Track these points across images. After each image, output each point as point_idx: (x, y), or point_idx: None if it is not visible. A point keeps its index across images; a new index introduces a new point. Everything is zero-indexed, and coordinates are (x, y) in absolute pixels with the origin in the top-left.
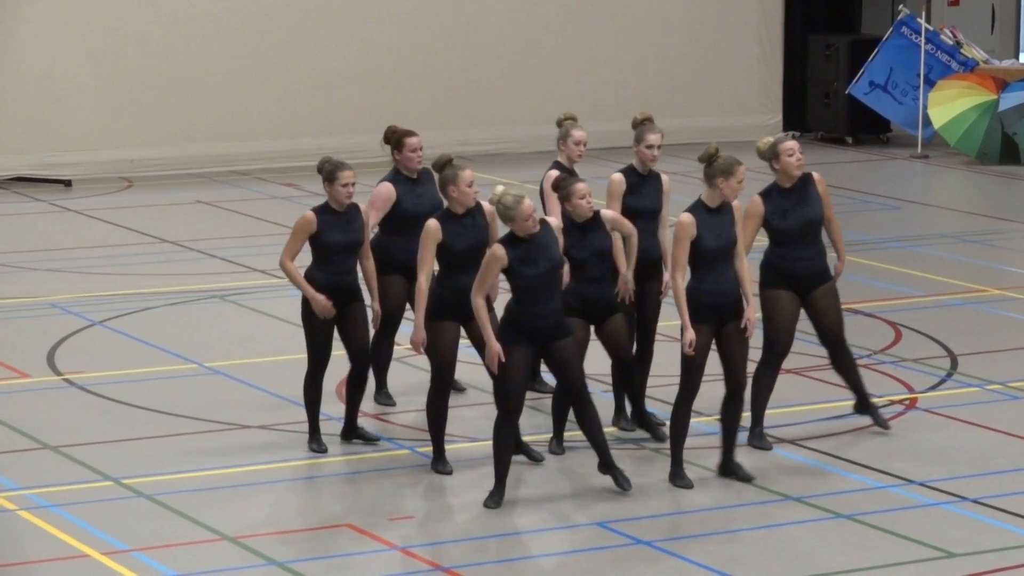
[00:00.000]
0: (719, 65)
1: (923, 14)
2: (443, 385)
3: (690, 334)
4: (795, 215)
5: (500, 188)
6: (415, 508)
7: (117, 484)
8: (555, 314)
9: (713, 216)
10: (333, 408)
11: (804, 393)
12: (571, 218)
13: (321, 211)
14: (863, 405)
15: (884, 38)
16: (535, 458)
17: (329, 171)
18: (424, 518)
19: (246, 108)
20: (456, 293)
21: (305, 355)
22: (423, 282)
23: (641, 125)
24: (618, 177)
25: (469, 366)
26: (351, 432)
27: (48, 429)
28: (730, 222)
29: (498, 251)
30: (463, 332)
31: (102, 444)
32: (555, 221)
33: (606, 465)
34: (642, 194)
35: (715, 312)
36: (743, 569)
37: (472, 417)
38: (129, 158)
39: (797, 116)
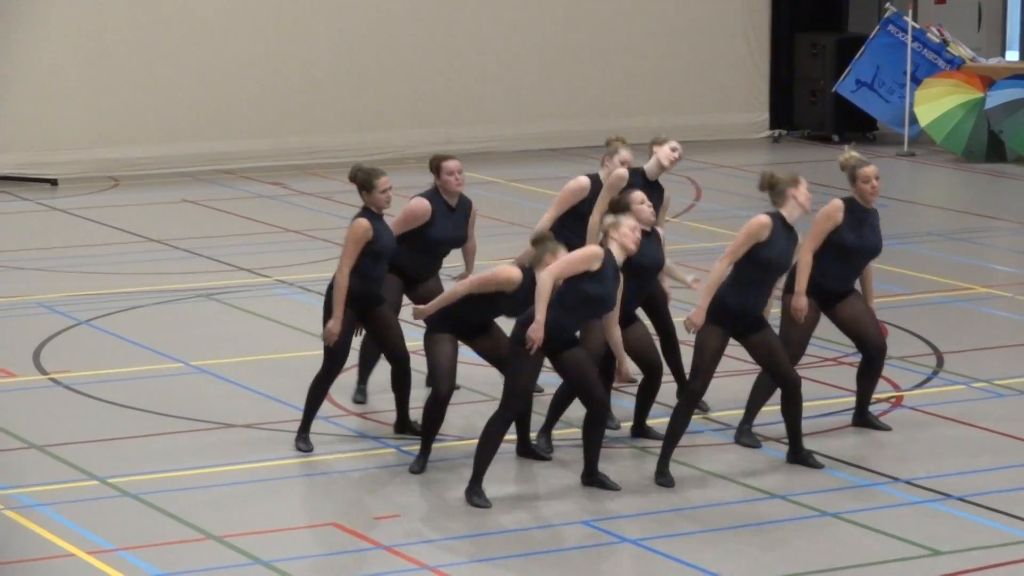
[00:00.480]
0: (706, 63)
1: (910, 12)
2: (442, 396)
3: (699, 316)
4: (867, 240)
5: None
6: (401, 507)
7: (103, 483)
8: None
9: (785, 232)
10: (325, 409)
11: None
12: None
13: (371, 217)
14: (860, 415)
15: (871, 36)
16: (543, 457)
17: (363, 180)
18: (410, 517)
19: (232, 107)
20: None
21: (290, 354)
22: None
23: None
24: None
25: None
26: (404, 426)
27: (34, 428)
28: (793, 242)
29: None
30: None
31: (88, 443)
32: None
33: (590, 475)
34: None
35: (733, 321)
36: (728, 567)
37: (462, 415)
38: (115, 157)
39: (784, 114)
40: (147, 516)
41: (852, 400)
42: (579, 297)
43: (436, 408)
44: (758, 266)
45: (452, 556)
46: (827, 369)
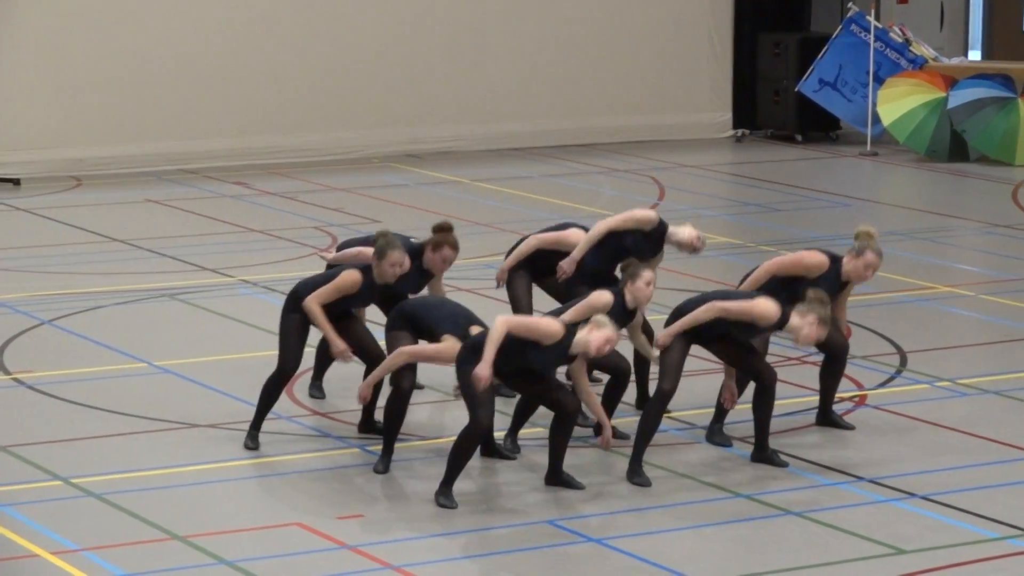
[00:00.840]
0: (669, 63)
1: (872, 12)
2: (403, 391)
3: (665, 338)
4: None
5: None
6: (365, 507)
7: (66, 483)
8: None
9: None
10: (289, 409)
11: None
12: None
13: (365, 274)
14: (823, 414)
15: (833, 36)
16: (508, 457)
17: (380, 247)
18: (374, 516)
19: (195, 106)
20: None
21: (254, 354)
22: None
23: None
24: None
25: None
26: (368, 426)
27: None
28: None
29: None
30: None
31: (51, 443)
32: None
33: (555, 475)
34: None
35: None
36: (693, 566)
37: (426, 415)
38: (78, 157)
39: (747, 114)
40: (111, 516)
41: (816, 399)
42: (520, 356)
43: (398, 403)
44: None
45: (416, 556)
46: (791, 368)
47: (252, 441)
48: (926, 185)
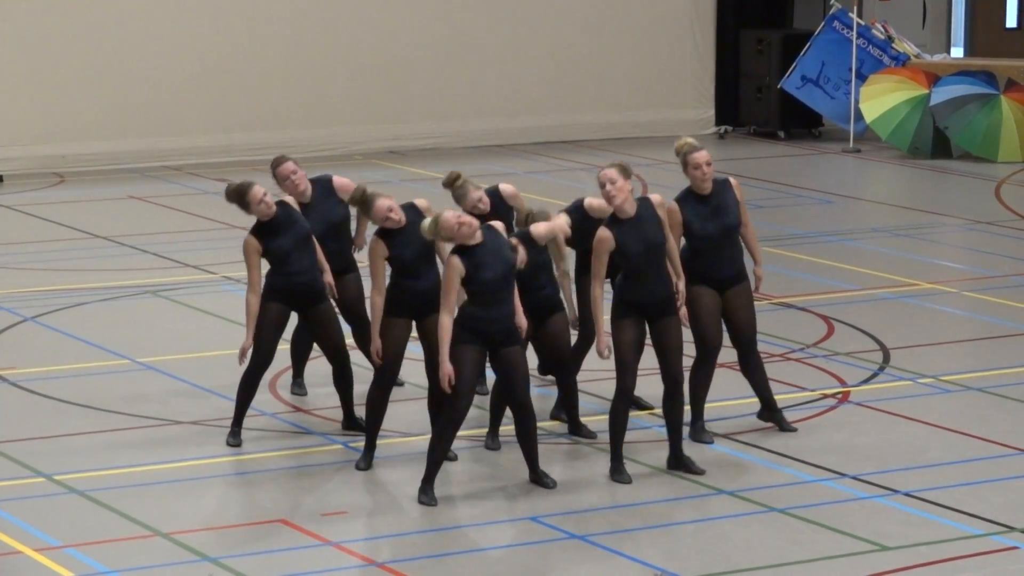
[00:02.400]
0: (652, 60)
1: (855, 9)
2: (386, 381)
3: (604, 340)
4: (714, 222)
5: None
6: (349, 504)
7: (49, 480)
8: (508, 319)
9: (631, 224)
10: (273, 406)
11: (737, 388)
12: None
13: (257, 231)
14: (768, 410)
15: (816, 33)
16: (448, 458)
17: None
18: (358, 513)
19: (178, 103)
20: (410, 294)
21: (238, 351)
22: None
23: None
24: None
25: (408, 362)
26: (351, 423)
27: None
28: (653, 226)
29: (454, 261)
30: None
31: (34, 440)
32: (500, 225)
33: (533, 472)
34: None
35: (640, 312)
36: (676, 563)
37: (408, 412)
38: (60, 153)
39: (730, 110)
40: (94, 513)
41: (800, 396)
42: (478, 289)
43: (378, 395)
44: (628, 259)
45: (400, 552)
46: (775, 365)
47: (234, 438)
48: (909, 182)
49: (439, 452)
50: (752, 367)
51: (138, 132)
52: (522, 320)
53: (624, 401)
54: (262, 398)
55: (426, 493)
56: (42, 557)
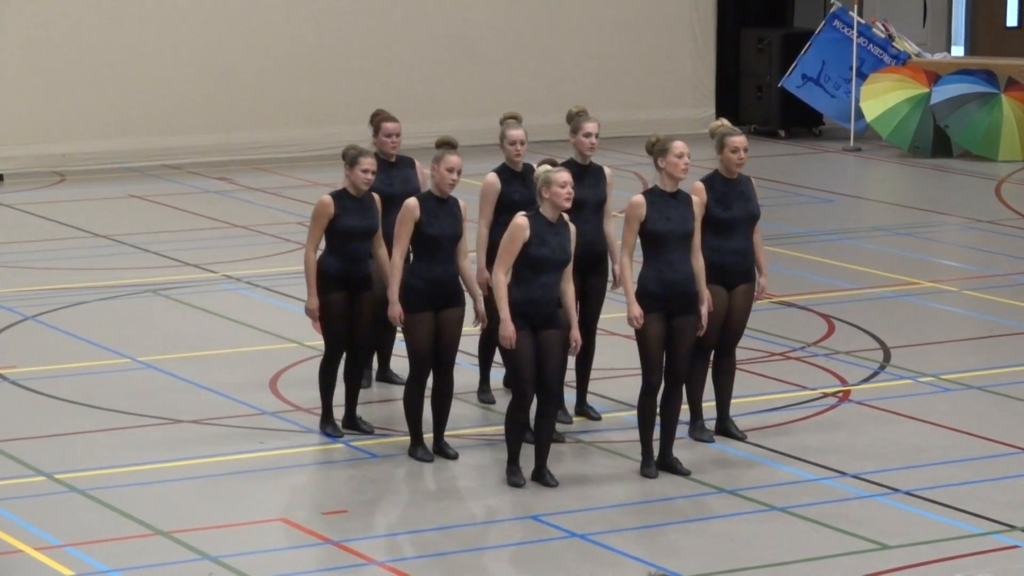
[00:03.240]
0: (652, 59)
1: (855, 7)
2: (420, 376)
3: (635, 309)
4: (739, 205)
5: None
6: (349, 502)
7: (50, 479)
8: (552, 303)
9: (666, 200)
10: (273, 404)
11: (738, 386)
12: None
13: (338, 196)
14: (720, 420)
15: (816, 31)
16: (450, 455)
17: (353, 156)
18: (358, 512)
19: (178, 102)
20: (429, 283)
21: (237, 350)
22: (397, 258)
23: (576, 116)
24: (492, 178)
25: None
26: (351, 422)
27: None
28: (685, 209)
29: (521, 220)
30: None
31: (35, 439)
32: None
33: (538, 469)
34: (584, 184)
35: (661, 302)
36: (677, 561)
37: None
38: (61, 152)
39: (730, 109)
40: (95, 512)
41: (801, 394)
42: (528, 265)
43: (415, 391)
44: (652, 240)
45: (401, 551)
46: (775, 364)
47: (334, 429)
48: (909, 181)
49: (515, 435)
50: (723, 370)
51: (138, 131)
52: (574, 325)
53: (651, 396)
54: (263, 398)
55: (515, 474)
56: (42, 556)
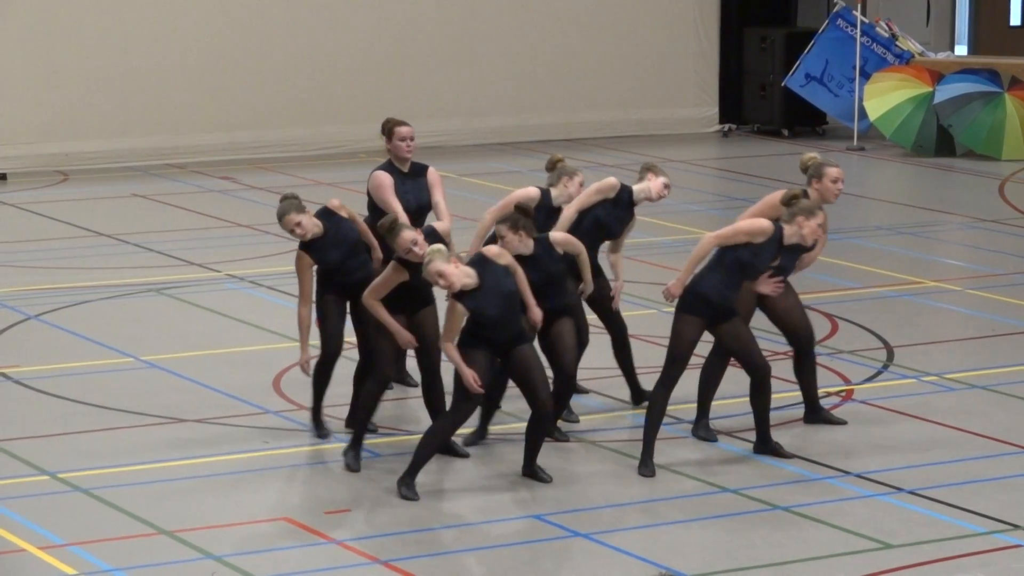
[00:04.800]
0: (656, 58)
1: (858, 7)
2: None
3: (676, 287)
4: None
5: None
6: (352, 501)
7: (53, 478)
8: (515, 326)
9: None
10: (276, 403)
11: (741, 385)
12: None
13: (308, 246)
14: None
15: (820, 31)
16: (460, 454)
17: (279, 214)
18: (361, 511)
19: (182, 101)
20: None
21: (241, 349)
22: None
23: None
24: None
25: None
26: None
27: None
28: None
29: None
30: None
31: (38, 438)
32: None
33: (528, 467)
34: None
35: (711, 311)
36: (680, 560)
37: (410, 409)
38: (64, 152)
39: (733, 108)
40: (98, 511)
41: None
42: (733, 264)
43: (376, 394)
44: (740, 264)
45: (404, 550)
46: (778, 363)
47: (319, 429)
48: (913, 180)
49: (430, 449)
50: (806, 369)
51: (142, 130)
52: (536, 314)
53: (664, 393)
54: (266, 397)
55: (409, 487)
56: (46, 555)
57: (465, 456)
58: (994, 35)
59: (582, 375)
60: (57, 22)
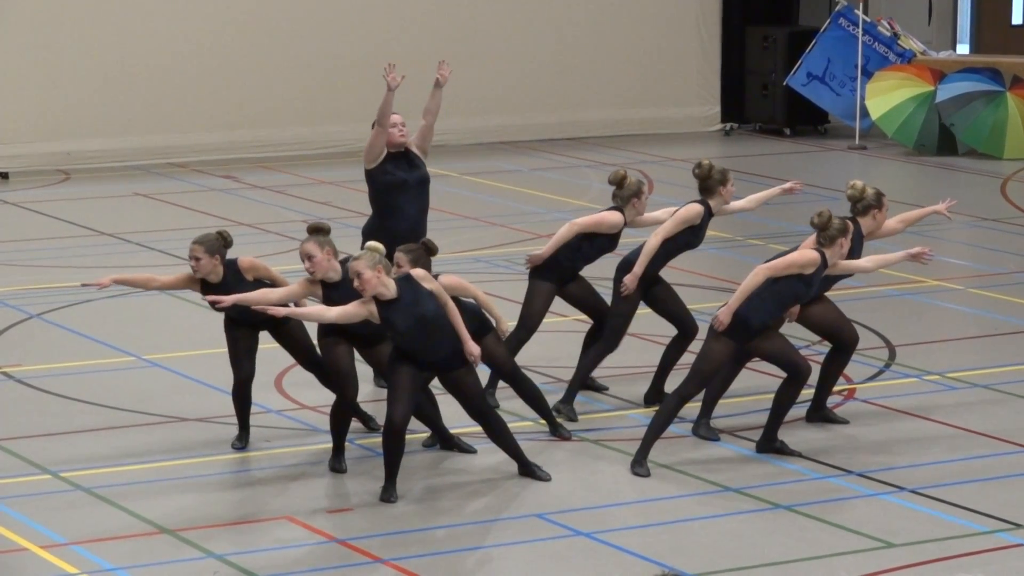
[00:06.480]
0: (658, 56)
1: (860, 5)
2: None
3: (726, 315)
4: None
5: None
6: (354, 500)
7: (55, 477)
8: (443, 352)
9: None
10: (278, 403)
11: (743, 384)
12: None
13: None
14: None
15: (822, 29)
16: (467, 450)
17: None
18: (363, 510)
19: (183, 100)
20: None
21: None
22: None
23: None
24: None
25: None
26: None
27: None
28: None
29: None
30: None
31: (40, 437)
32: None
33: (523, 466)
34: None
35: (749, 337)
36: (682, 559)
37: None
38: (66, 150)
39: (735, 107)
40: (100, 510)
41: (806, 392)
42: (786, 293)
43: (343, 411)
44: (794, 294)
45: (406, 549)
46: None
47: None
48: (914, 179)
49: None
50: (838, 363)
51: (143, 129)
52: (471, 347)
53: (680, 402)
54: (269, 396)
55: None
56: (48, 554)
57: (472, 452)
58: (996, 34)
59: (599, 372)
60: (59, 21)
